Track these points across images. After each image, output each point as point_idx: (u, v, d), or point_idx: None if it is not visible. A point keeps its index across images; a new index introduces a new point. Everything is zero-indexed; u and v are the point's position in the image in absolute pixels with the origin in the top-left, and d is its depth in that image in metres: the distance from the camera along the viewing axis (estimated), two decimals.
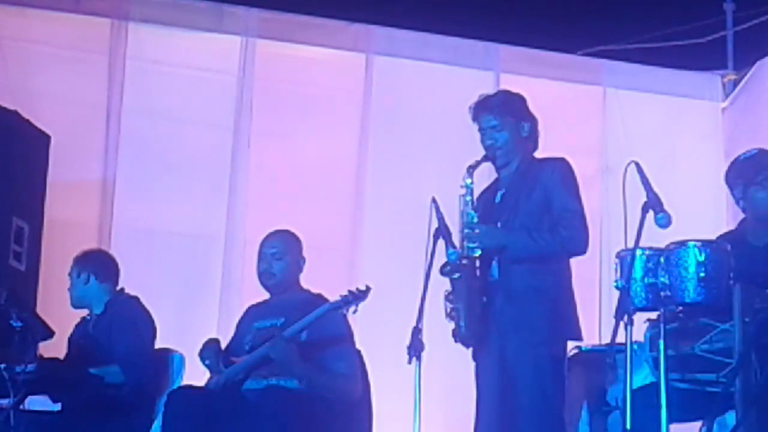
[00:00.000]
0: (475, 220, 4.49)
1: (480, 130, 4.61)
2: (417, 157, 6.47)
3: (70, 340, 5.23)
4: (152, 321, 5.13)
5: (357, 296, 4.57)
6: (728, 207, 6.00)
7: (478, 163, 4.55)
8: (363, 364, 4.86)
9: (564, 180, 4.52)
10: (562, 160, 4.58)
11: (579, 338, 4.52)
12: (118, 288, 5.24)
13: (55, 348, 5.13)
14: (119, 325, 5.04)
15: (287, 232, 4.99)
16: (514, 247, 4.42)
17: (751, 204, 4.35)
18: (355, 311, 4.62)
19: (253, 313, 5.02)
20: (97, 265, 5.25)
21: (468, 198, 4.51)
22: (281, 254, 4.91)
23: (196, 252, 6.31)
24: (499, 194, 4.60)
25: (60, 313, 5.36)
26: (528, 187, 4.52)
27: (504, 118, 4.57)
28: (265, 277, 4.91)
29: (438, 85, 6.59)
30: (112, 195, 6.14)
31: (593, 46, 7.01)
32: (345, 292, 4.60)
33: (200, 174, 6.36)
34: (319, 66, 6.63)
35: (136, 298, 5.20)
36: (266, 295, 5.00)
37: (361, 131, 6.52)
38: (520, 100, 4.67)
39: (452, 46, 6.75)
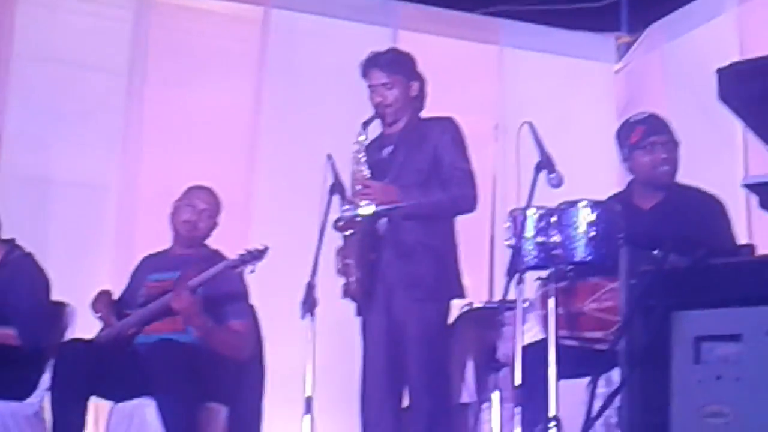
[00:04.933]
0: (369, 176, 4.51)
1: (370, 86, 4.64)
2: (312, 112, 6.44)
3: None
4: (47, 281, 5.03)
5: (254, 256, 4.58)
6: (620, 168, 6.10)
7: (371, 120, 4.60)
8: (257, 321, 4.87)
9: (454, 139, 4.59)
10: (450, 119, 4.65)
11: (463, 296, 4.60)
12: (9, 238, 5.13)
13: None
14: (17, 288, 4.90)
15: (215, 193, 4.99)
16: (406, 204, 4.46)
17: (635, 167, 4.43)
18: (252, 271, 4.63)
19: (148, 264, 4.99)
20: None
21: (362, 154, 4.53)
22: (213, 214, 4.94)
23: (89, 202, 6.20)
24: (385, 151, 4.62)
25: None
26: (417, 145, 4.57)
27: (394, 76, 4.62)
28: (188, 227, 4.89)
29: (335, 40, 6.55)
30: None
31: (490, 6, 7.03)
32: (242, 252, 4.61)
33: (93, 123, 6.24)
34: (216, 18, 6.55)
35: (31, 255, 5.08)
36: (161, 247, 4.97)
37: (256, 84, 6.47)
38: (410, 59, 4.72)
39: (351, 1, 6.72)
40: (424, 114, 4.71)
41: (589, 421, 2.80)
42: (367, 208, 4.43)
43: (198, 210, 4.90)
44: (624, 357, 2.78)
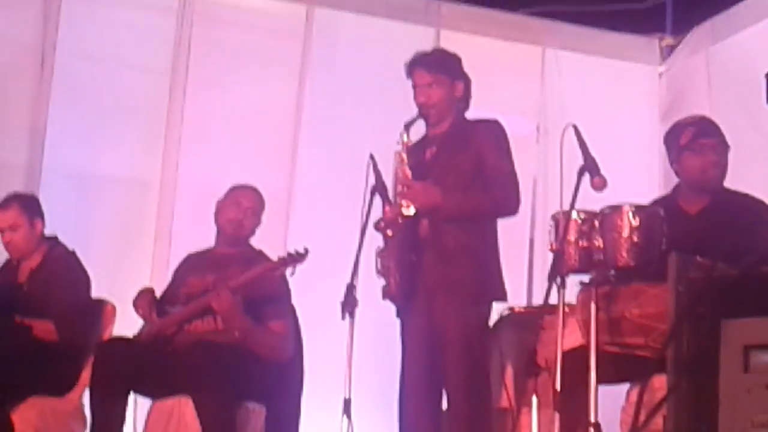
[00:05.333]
0: (411, 177, 4.49)
1: (414, 86, 4.62)
2: (354, 112, 6.44)
3: None
4: (87, 279, 5.05)
5: (295, 259, 4.59)
6: (662, 171, 6.06)
7: (414, 120, 4.57)
8: (297, 323, 4.86)
9: (497, 141, 4.55)
10: (495, 121, 4.62)
11: (504, 299, 4.58)
12: (51, 235, 5.16)
13: None
14: (57, 284, 4.93)
15: (259, 191, 5.00)
16: (449, 205, 4.44)
17: (683, 169, 4.38)
18: (292, 273, 4.63)
19: (191, 263, 5.00)
20: (43, 213, 5.15)
21: (404, 155, 4.51)
22: (257, 212, 4.94)
23: (130, 198, 6.23)
24: (428, 152, 4.60)
25: None
26: (461, 146, 4.54)
27: (439, 75, 4.59)
28: (233, 225, 4.89)
29: (378, 39, 6.54)
30: (42, 138, 6.03)
31: (534, 6, 7.00)
32: (283, 254, 4.61)
33: (135, 119, 6.26)
34: (259, 15, 6.55)
35: (73, 254, 5.11)
36: (201, 245, 4.98)
37: (299, 83, 6.46)
38: (456, 59, 4.69)
39: (393, 0, 6.71)
40: (469, 115, 4.68)
41: (635, 429, 2.76)
42: (408, 209, 4.40)
43: (243, 208, 4.90)
44: (672, 364, 2.74)
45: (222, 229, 4.92)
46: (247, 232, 4.92)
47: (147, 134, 6.28)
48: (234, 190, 4.98)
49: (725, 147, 4.34)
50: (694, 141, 4.32)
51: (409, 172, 4.46)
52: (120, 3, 6.28)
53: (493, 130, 4.58)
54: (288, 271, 4.63)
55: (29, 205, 5.12)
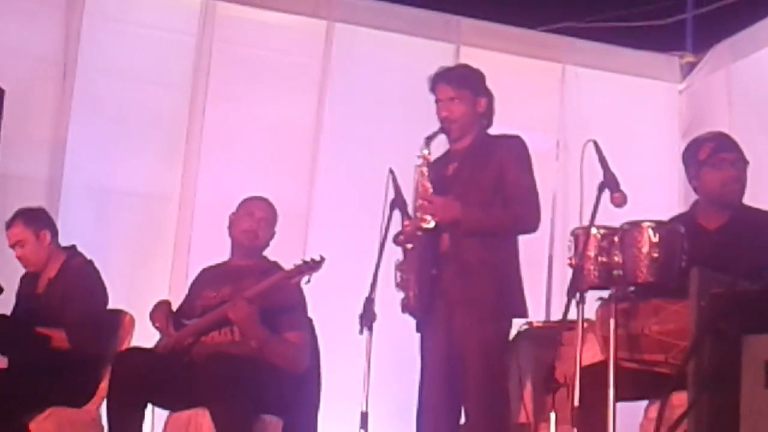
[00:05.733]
0: (431, 191, 4.49)
1: (437, 101, 4.63)
2: (374, 127, 6.45)
3: (18, 296, 5.17)
4: (104, 289, 5.07)
5: (311, 267, 4.57)
6: (682, 188, 6.04)
7: (435, 134, 4.56)
8: (314, 334, 4.86)
9: (519, 158, 4.54)
10: (518, 137, 4.61)
11: (525, 315, 4.56)
12: (69, 245, 5.19)
13: (2, 304, 5.08)
14: (73, 293, 4.95)
15: (271, 202, 5.00)
16: (468, 220, 4.43)
17: (703, 185, 4.36)
18: (308, 281, 4.63)
19: (207, 275, 5.01)
20: (53, 223, 5.18)
21: (424, 169, 4.50)
22: (271, 222, 4.94)
23: (150, 212, 6.25)
24: (450, 167, 4.60)
25: (7, 268, 5.28)
26: (482, 162, 4.53)
27: (461, 91, 4.59)
28: (248, 236, 4.89)
29: (398, 55, 6.56)
30: (63, 151, 6.06)
31: (554, 23, 7.01)
32: (299, 262, 4.60)
33: (155, 134, 6.29)
34: (278, 31, 6.58)
35: (91, 263, 5.13)
36: (219, 258, 4.98)
37: (318, 99, 6.48)
38: (479, 75, 4.69)
39: (414, 16, 6.73)
40: (489, 131, 4.68)
41: None
42: (428, 223, 4.40)
43: (256, 218, 4.91)
44: (693, 380, 2.73)
45: (237, 241, 4.93)
46: (262, 242, 4.92)
47: (167, 148, 6.31)
48: (246, 201, 4.99)
49: (744, 162, 4.33)
50: (714, 156, 4.30)
51: (429, 186, 4.46)
52: (141, 18, 6.32)
53: (515, 147, 4.57)
54: (304, 280, 4.62)
55: (33, 218, 5.14)
